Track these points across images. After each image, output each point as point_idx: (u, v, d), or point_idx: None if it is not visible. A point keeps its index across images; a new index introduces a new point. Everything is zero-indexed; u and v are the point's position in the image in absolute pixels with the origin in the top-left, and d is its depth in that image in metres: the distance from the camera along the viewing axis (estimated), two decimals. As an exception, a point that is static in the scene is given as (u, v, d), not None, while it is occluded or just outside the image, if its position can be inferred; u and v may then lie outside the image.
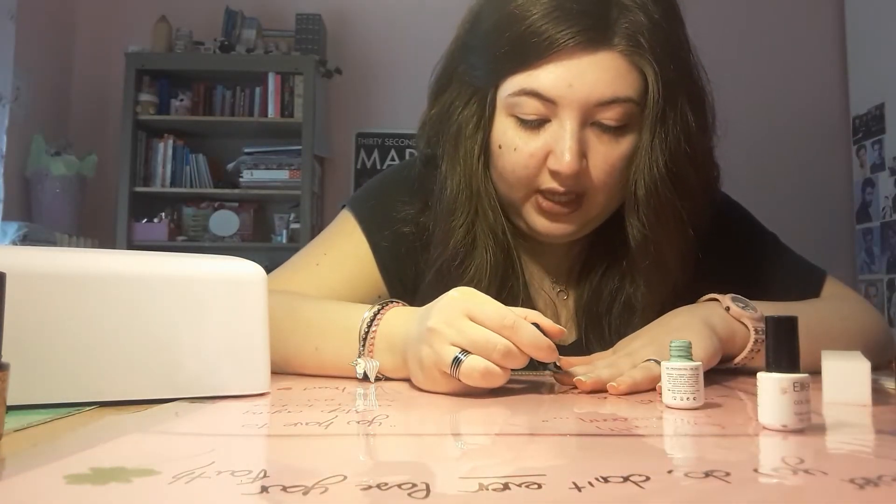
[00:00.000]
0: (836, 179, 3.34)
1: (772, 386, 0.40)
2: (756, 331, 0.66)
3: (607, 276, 0.80)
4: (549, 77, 0.68)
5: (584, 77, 0.67)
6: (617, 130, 0.70)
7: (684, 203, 0.72)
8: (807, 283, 0.85)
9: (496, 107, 0.72)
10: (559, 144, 0.68)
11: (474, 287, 0.60)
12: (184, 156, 3.18)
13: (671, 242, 0.73)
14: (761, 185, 2.85)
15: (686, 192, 0.72)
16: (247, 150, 3.20)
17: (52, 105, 3.20)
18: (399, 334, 0.61)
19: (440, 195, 0.77)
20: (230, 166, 3.21)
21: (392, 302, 0.67)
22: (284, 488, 0.28)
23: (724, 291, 0.70)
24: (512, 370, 0.55)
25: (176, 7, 3.29)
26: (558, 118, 0.69)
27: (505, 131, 0.72)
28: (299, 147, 3.11)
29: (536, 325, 0.55)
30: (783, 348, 0.41)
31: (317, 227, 3.12)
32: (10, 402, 0.38)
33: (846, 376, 0.51)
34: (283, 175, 3.13)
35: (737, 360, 0.67)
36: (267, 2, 3.38)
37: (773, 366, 0.41)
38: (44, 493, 0.28)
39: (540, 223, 0.74)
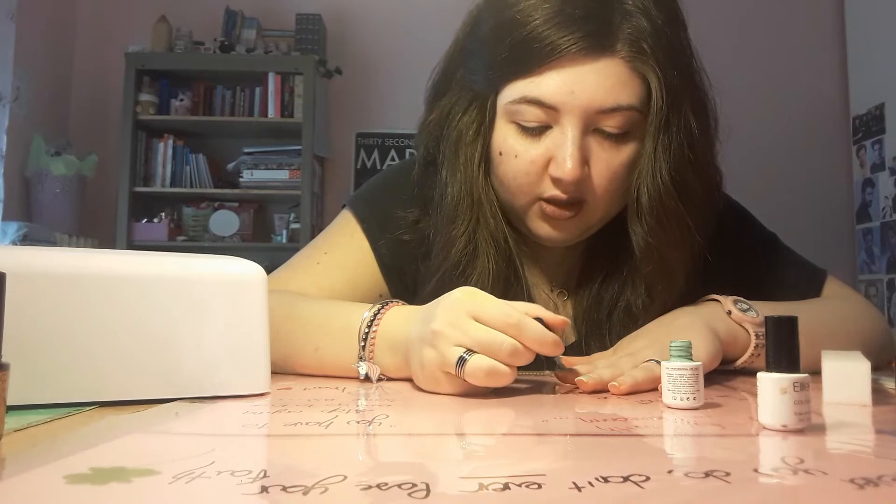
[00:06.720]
0: (836, 179, 3.34)
1: (772, 386, 0.40)
2: (757, 335, 0.66)
3: (607, 278, 0.79)
4: (550, 84, 0.67)
5: (586, 84, 0.66)
6: (619, 138, 0.69)
7: (688, 209, 0.71)
8: (808, 283, 0.85)
9: (496, 113, 0.72)
10: (561, 151, 0.67)
11: None
12: (184, 156, 3.17)
13: (675, 249, 0.72)
14: (761, 185, 2.85)
15: (690, 198, 0.71)
16: (247, 150, 3.20)
17: (52, 105, 3.20)
18: (400, 334, 0.61)
19: (440, 202, 0.76)
20: (230, 166, 3.21)
21: (391, 302, 0.66)
22: (284, 488, 0.28)
23: (724, 291, 0.70)
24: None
25: (176, 7, 3.29)
26: (560, 125, 0.68)
27: (505, 138, 0.71)
28: (299, 147, 3.11)
29: (539, 319, 0.55)
30: (783, 348, 0.41)
31: (317, 227, 3.12)
32: (10, 402, 0.38)
33: (846, 376, 0.51)
34: (283, 175, 3.13)
35: (737, 363, 0.67)
36: (267, 2, 3.38)
37: (773, 366, 0.41)
38: (44, 493, 0.28)
39: (542, 229, 0.73)
